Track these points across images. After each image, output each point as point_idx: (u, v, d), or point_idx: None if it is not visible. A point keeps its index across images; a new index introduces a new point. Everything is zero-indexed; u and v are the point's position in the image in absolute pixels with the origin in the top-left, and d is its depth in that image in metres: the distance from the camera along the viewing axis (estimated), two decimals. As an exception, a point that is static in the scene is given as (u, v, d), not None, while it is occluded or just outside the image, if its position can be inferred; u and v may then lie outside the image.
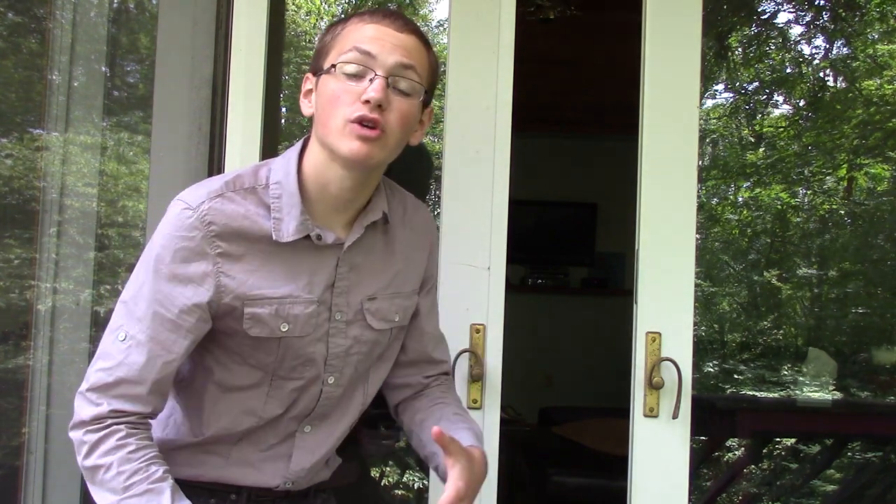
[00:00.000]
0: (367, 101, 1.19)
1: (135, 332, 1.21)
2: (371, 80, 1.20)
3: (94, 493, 1.19)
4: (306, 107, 1.29)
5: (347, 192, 1.27)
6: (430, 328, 1.46)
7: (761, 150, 6.15)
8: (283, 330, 1.25)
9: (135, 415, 1.21)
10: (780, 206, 5.95)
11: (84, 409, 1.21)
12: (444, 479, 1.25)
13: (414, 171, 1.66)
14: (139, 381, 1.20)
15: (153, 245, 1.24)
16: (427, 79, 1.27)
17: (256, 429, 1.31)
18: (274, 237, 1.24)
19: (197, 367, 1.30)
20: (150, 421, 1.24)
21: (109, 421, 1.19)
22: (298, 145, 1.31)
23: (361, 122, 1.20)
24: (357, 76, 1.21)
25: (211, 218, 1.22)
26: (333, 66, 1.22)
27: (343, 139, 1.21)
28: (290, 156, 1.29)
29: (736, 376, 5.67)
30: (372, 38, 1.22)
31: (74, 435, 1.21)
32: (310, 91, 1.29)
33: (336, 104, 1.21)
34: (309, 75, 1.30)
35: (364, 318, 1.32)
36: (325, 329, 1.29)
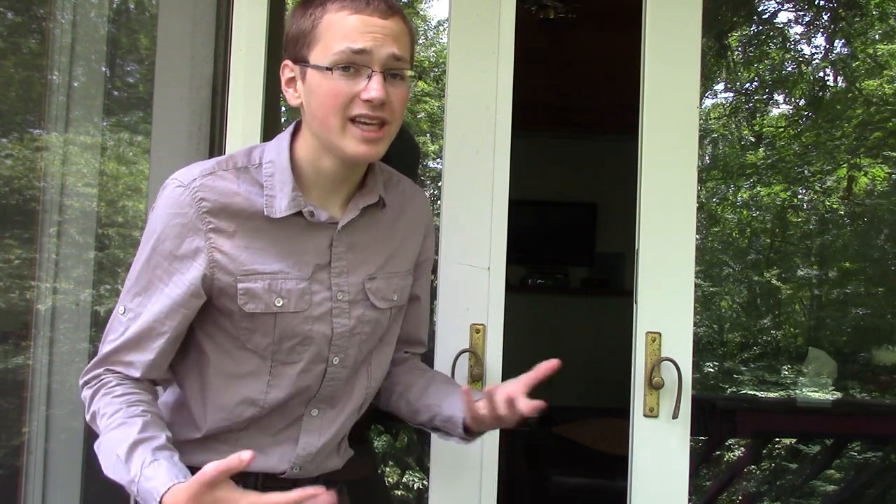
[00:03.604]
0: (368, 101, 1.20)
1: (133, 306, 1.26)
2: (369, 78, 1.20)
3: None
4: (292, 97, 1.28)
5: (340, 174, 1.29)
6: (422, 311, 1.51)
7: (761, 149, 6.15)
8: (278, 305, 1.26)
9: (128, 376, 1.26)
10: (779, 204, 5.96)
11: (86, 375, 1.28)
12: (440, 428, 1.39)
13: (403, 159, 1.66)
14: (133, 350, 1.26)
15: (149, 223, 1.28)
16: (412, 55, 1.28)
17: (261, 417, 1.32)
18: (266, 213, 1.26)
19: (197, 353, 1.32)
20: (144, 381, 1.28)
21: (103, 376, 1.27)
22: (291, 128, 1.31)
23: (364, 119, 1.21)
24: (352, 71, 1.21)
25: (203, 195, 1.24)
26: (329, 68, 1.21)
27: (346, 140, 1.22)
28: (282, 137, 1.31)
29: (736, 376, 5.67)
30: (361, 32, 1.21)
31: (83, 396, 1.28)
32: (292, 80, 1.27)
33: (334, 104, 1.21)
34: (288, 62, 1.27)
35: (367, 298, 1.34)
36: (328, 308, 1.30)
